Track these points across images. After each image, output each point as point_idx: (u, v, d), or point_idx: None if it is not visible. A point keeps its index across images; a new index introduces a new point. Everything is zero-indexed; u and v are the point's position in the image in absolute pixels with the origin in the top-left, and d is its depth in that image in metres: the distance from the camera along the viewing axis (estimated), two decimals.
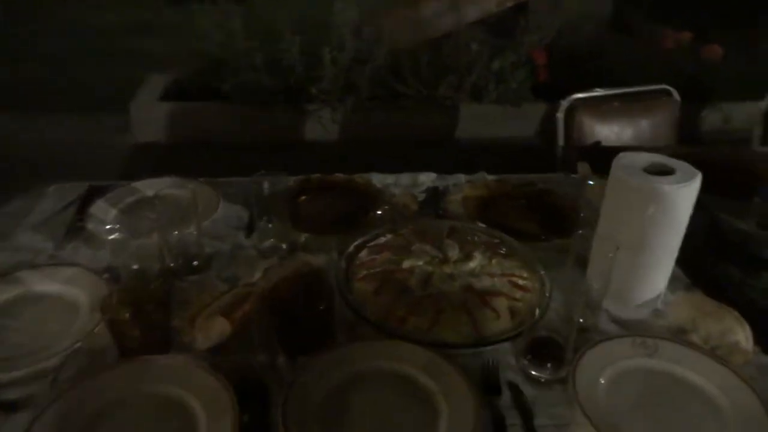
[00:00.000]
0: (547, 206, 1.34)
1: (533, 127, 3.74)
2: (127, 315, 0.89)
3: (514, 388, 0.89)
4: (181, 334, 0.93)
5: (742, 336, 0.93)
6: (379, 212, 1.28)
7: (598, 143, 1.91)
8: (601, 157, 1.65)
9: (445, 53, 3.55)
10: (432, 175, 1.45)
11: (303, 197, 1.33)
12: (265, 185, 1.33)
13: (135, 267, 1.04)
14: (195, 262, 1.12)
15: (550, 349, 0.91)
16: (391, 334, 0.94)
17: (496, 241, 1.16)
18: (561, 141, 1.93)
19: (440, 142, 3.66)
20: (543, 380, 0.90)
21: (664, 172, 0.97)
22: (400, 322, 0.96)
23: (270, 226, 1.16)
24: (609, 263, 0.93)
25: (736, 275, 1.09)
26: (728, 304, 0.98)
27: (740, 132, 3.61)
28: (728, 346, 0.93)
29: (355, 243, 1.14)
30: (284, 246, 1.18)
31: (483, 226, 1.20)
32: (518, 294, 1.02)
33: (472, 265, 1.07)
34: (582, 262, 1.14)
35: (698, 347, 0.94)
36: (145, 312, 0.90)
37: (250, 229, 1.24)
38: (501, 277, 1.05)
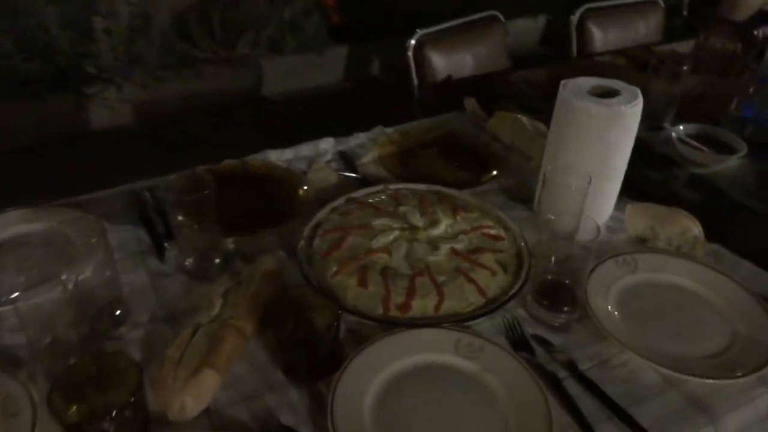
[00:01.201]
0: (461, 148, 1.32)
1: (340, 73, 3.69)
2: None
3: (541, 341, 0.86)
4: (163, 407, 0.72)
5: (697, 230, 1.01)
6: (301, 192, 1.13)
7: (449, 77, 1.93)
8: (461, 91, 1.67)
9: (236, 10, 3.26)
10: (331, 141, 1.32)
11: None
12: (147, 195, 1.10)
13: (47, 341, 0.77)
14: (118, 311, 0.88)
15: (555, 292, 0.90)
16: (397, 324, 0.84)
17: (443, 195, 1.09)
18: (415, 80, 1.90)
19: (248, 104, 3.42)
20: (557, 324, 0.88)
21: (609, 93, 0.98)
22: (404, 309, 0.86)
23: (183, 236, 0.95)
24: (582, 194, 0.93)
25: (657, 176, 1.18)
26: (661, 204, 1.06)
27: (528, 47, 3.99)
28: (689, 243, 1.01)
29: (304, 234, 0.99)
30: (216, 260, 0.98)
31: (422, 185, 1.12)
32: (497, 244, 0.99)
33: (442, 227, 1.00)
34: (516, 196, 1.16)
35: (668, 251, 1.01)
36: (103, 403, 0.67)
37: (159, 250, 1.00)
38: (473, 232, 1.00)
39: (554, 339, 0.86)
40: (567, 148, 0.99)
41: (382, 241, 0.96)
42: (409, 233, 0.98)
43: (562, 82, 1.00)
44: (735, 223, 1.06)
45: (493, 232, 1.01)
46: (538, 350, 0.85)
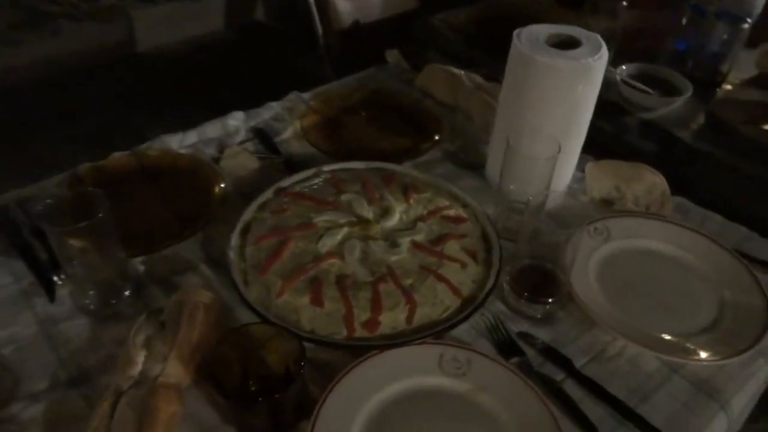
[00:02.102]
0: (392, 110, 1.16)
1: (222, 20, 3.34)
2: None
3: (528, 338, 0.76)
4: None
5: (663, 186, 0.94)
6: (220, 188, 0.93)
7: (357, 22, 1.74)
8: (373, 37, 1.51)
9: None
10: (240, 115, 1.12)
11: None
12: (18, 212, 0.87)
13: None
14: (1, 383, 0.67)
15: (534, 278, 0.80)
16: (366, 347, 0.70)
17: (388, 174, 0.95)
18: (319, 28, 1.70)
19: (123, 62, 3.02)
20: (540, 316, 0.79)
21: (568, 43, 0.86)
22: (371, 326, 0.72)
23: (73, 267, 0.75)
24: (552, 163, 0.82)
25: (608, 128, 1.10)
26: (618, 157, 0.98)
27: None
28: (658, 201, 0.94)
29: (232, 243, 0.81)
30: (126, 292, 0.79)
31: (360, 162, 0.97)
32: (459, 228, 0.86)
33: (396, 216, 0.86)
34: (464, 162, 1.04)
35: (639, 212, 0.93)
36: None
37: (47, 286, 0.79)
38: (431, 217, 0.87)
39: (541, 334, 0.77)
40: (528, 109, 0.87)
41: (329, 242, 0.81)
42: (360, 228, 0.83)
43: (515, 32, 0.87)
44: (695, 172, 1.00)
45: (452, 213, 0.89)
46: (528, 351, 0.74)
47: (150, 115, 2.02)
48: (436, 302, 0.76)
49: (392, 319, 0.73)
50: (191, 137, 1.06)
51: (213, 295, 0.73)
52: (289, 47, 1.98)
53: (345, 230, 0.82)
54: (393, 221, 0.85)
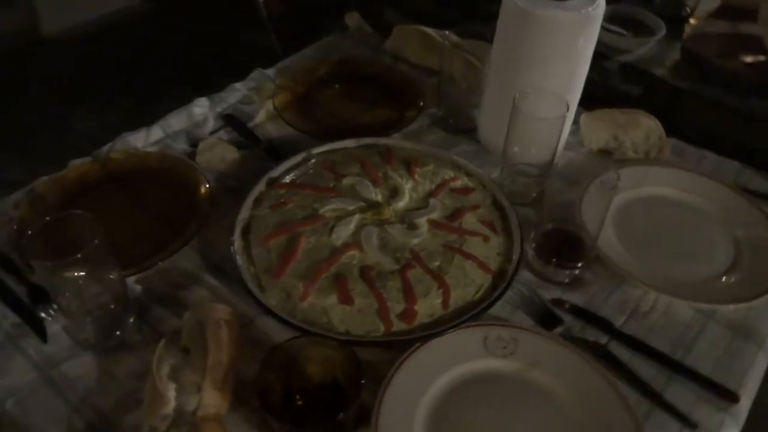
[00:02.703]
0: (365, 80, 1.10)
1: None
2: None
3: (562, 305, 0.74)
4: None
5: (660, 130, 0.94)
6: (206, 187, 0.86)
7: None
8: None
9: None
10: (204, 102, 1.03)
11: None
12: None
13: None
14: None
15: (559, 242, 0.78)
16: (409, 341, 0.66)
17: (384, 150, 0.89)
18: None
19: (27, 52, 2.74)
20: (568, 281, 0.77)
21: None
22: (408, 317, 0.68)
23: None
24: (561, 123, 0.80)
25: (591, 75, 1.07)
26: (606, 106, 0.96)
27: None
28: (656, 145, 0.93)
29: (235, 245, 0.74)
30: (130, 319, 0.71)
31: (350, 140, 0.91)
32: (471, 199, 0.83)
33: (406, 195, 0.82)
34: (455, 128, 1.00)
35: (640, 160, 0.93)
36: None
37: (36, 325, 0.70)
38: (441, 191, 0.83)
39: (573, 298, 0.76)
40: (527, 67, 0.83)
41: (343, 233, 0.75)
42: (372, 214, 0.78)
43: None
44: (681, 111, 1.00)
45: (459, 184, 0.85)
46: (565, 317, 0.73)
47: (73, 105, 1.84)
48: (467, 282, 0.73)
49: (428, 307, 0.69)
50: (156, 133, 0.96)
51: (231, 309, 0.67)
52: (218, 13, 1.81)
53: (357, 217, 0.77)
54: (404, 201, 0.80)
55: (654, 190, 0.88)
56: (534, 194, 0.87)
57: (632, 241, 0.81)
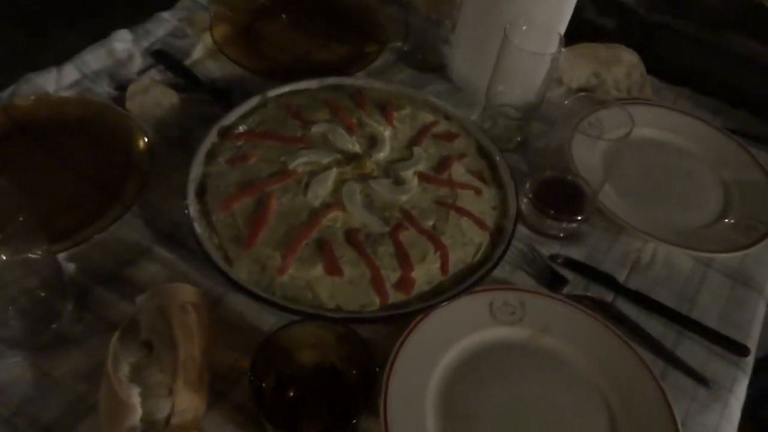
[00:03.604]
0: (315, 9, 0.96)
1: None
2: None
3: (564, 261, 0.69)
4: None
5: (641, 66, 0.89)
6: (144, 141, 0.72)
7: None
8: None
9: None
10: (125, 35, 0.86)
11: None
12: None
13: None
14: None
15: (555, 191, 0.72)
16: (408, 313, 0.59)
17: (353, 92, 0.79)
18: None
19: None
20: (563, 235, 0.72)
21: None
22: (405, 286, 0.60)
23: None
24: (557, 58, 0.72)
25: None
26: (584, 40, 0.90)
27: None
28: (638, 83, 0.89)
29: (191, 211, 0.63)
30: (68, 306, 0.58)
31: (312, 81, 0.79)
32: (455, 146, 0.75)
33: (387, 144, 0.72)
34: (423, 65, 0.90)
35: (623, 99, 0.87)
36: None
37: None
38: (423, 139, 0.74)
39: (573, 253, 0.71)
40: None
41: (321, 191, 0.65)
42: (352, 168, 0.68)
43: None
44: (660, 47, 0.95)
45: (440, 129, 0.76)
46: (569, 276, 0.67)
47: None
48: (465, 242, 0.65)
49: (426, 272, 0.62)
50: (70, 73, 0.80)
51: (198, 290, 0.56)
52: None
53: (334, 172, 0.67)
54: (385, 151, 0.71)
55: (640, 132, 0.83)
56: (518, 138, 0.80)
57: (624, 188, 0.76)
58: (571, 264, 0.69)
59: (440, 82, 0.88)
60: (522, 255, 0.68)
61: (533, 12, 0.73)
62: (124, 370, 0.50)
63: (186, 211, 0.62)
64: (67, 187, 0.67)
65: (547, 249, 0.70)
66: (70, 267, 0.61)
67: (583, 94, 0.81)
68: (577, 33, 0.85)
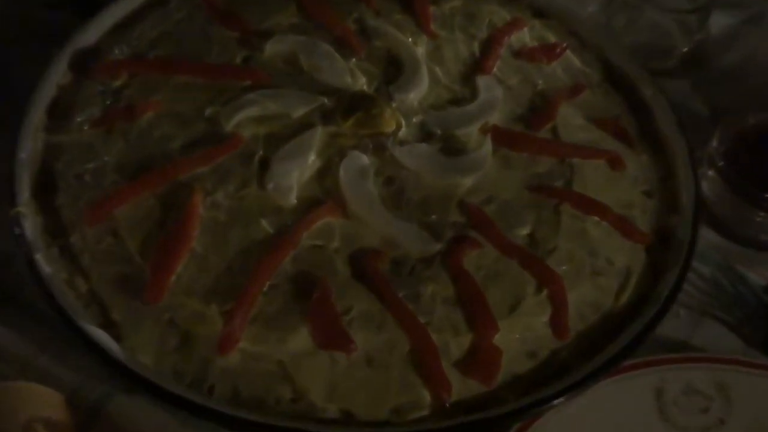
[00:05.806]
0: None
1: None
2: None
3: None
4: None
5: None
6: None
7: None
8: None
9: None
10: None
11: None
12: None
13: None
14: None
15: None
16: (490, 424, 0.59)
17: None
18: None
19: None
20: None
21: None
22: (484, 368, 0.61)
23: None
24: None
25: None
26: None
27: None
28: None
29: (21, 229, 0.63)
30: None
31: None
32: (558, 71, 0.80)
33: (424, 74, 0.76)
34: None
35: None
36: None
37: None
38: (493, 59, 0.79)
39: None
40: None
41: (295, 175, 0.67)
42: (354, 124, 0.71)
43: None
44: None
45: (527, 37, 0.83)
46: None
47: None
48: (597, 267, 0.67)
49: (521, 334, 0.64)
50: None
51: (56, 393, 0.60)
52: None
53: (318, 134, 0.69)
54: (420, 87, 0.74)
55: None
56: (684, 48, 0.87)
57: None
58: None
59: None
60: (712, 287, 0.72)
61: None
62: None
63: (15, 229, 0.62)
64: None
65: (762, 272, 0.72)
66: None
67: None
68: None
